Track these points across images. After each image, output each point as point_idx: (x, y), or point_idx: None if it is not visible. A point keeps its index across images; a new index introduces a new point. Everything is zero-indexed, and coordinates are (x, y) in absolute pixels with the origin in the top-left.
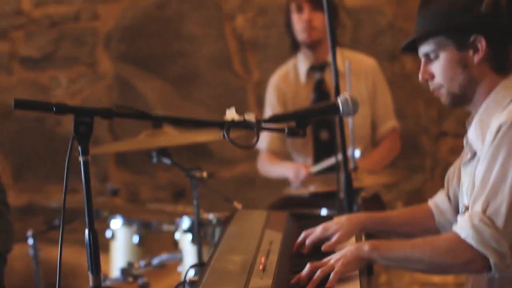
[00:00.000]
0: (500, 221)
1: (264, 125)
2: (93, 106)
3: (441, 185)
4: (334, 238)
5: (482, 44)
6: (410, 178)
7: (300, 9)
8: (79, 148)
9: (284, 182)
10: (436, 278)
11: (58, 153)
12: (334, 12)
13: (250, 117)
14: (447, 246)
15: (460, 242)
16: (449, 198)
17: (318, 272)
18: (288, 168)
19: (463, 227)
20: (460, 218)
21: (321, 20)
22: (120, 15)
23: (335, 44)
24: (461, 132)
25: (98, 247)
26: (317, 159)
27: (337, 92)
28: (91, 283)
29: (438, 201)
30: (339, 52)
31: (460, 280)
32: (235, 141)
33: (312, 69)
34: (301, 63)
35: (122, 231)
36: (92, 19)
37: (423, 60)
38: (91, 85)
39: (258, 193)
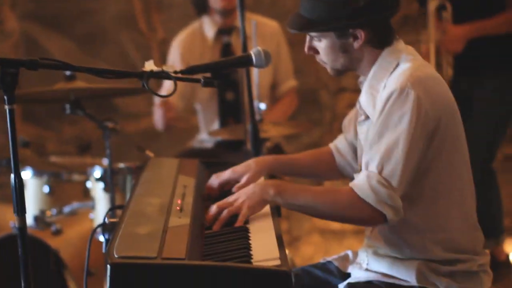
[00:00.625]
0: (395, 182)
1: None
2: (18, 58)
3: None
4: (243, 180)
5: (361, 34)
6: (310, 131)
7: None
8: (5, 98)
9: (188, 135)
10: (335, 225)
11: None
12: None
13: (168, 68)
14: (347, 202)
15: (359, 200)
16: (348, 142)
17: (224, 212)
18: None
19: (361, 187)
20: (357, 176)
21: None
22: None
23: (243, 7)
24: (359, 88)
25: (23, 191)
26: (222, 119)
27: (245, 50)
28: (17, 223)
29: (339, 144)
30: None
31: (359, 228)
32: (154, 90)
33: (220, 32)
34: (208, 26)
35: (33, 182)
36: None
37: (308, 37)
38: None
39: (163, 145)
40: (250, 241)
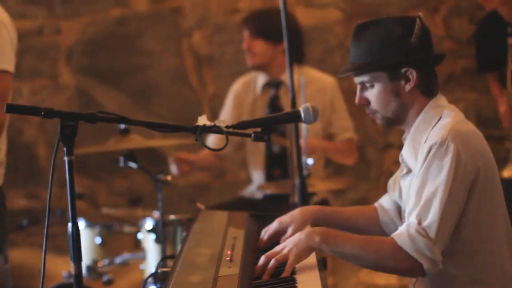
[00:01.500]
0: (432, 232)
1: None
2: (76, 111)
3: (385, 193)
4: (289, 231)
5: (413, 75)
6: (357, 187)
7: (242, 33)
8: (64, 149)
9: (236, 187)
10: (381, 281)
11: (18, 161)
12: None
13: (220, 123)
14: (389, 252)
15: (399, 249)
16: (392, 200)
17: (272, 262)
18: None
19: (400, 236)
20: (400, 227)
21: (261, 47)
22: (81, 30)
23: (291, 63)
24: None
25: (80, 239)
26: (268, 170)
27: (294, 105)
28: (73, 270)
29: (383, 202)
30: (297, 69)
31: (404, 282)
32: (207, 145)
33: (268, 85)
34: (259, 77)
35: (85, 233)
36: (54, 34)
37: (359, 87)
38: (52, 97)
39: (213, 199)
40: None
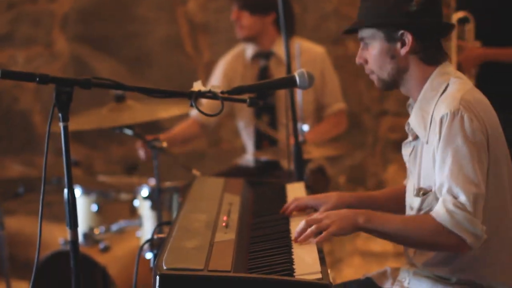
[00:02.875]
0: (469, 204)
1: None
2: (72, 77)
3: (381, 161)
4: (321, 209)
5: (408, 38)
6: (352, 154)
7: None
8: (60, 115)
9: (232, 155)
10: (376, 247)
11: (15, 128)
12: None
13: (215, 88)
14: (432, 229)
15: (440, 226)
16: None
17: (313, 227)
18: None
19: (439, 212)
20: (437, 206)
21: (248, 19)
22: None
23: (286, 31)
24: (401, 111)
25: (75, 205)
26: (257, 142)
27: (289, 72)
28: (69, 237)
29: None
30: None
31: (399, 249)
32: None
33: (257, 56)
34: (248, 49)
35: (81, 200)
36: (49, 2)
37: (361, 45)
38: (47, 65)
39: (208, 166)
40: (293, 256)
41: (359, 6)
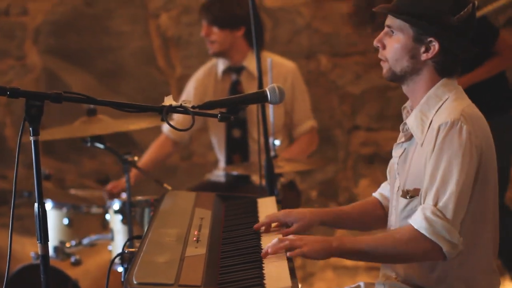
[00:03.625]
0: (449, 213)
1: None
2: (43, 91)
3: (353, 175)
4: (294, 226)
5: (435, 47)
6: (324, 169)
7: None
8: (30, 129)
9: (204, 170)
10: (349, 262)
11: None
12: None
13: (187, 103)
14: (407, 238)
15: (417, 233)
16: None
17: (286, 242)
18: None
19: (417, 219)
20: (416, 213)
21: (218, 35)
22: (49, 11)
23: (258, 46)
24: (373, 127)
25: (46, 219)
26: (228, 154)
27: (260, 87)
28: (40, 251)
29: (383, 191)
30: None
31: (371, 264)
32: (173, 124)
33: (228, 70)
34: (220, 63)
35: (53, 214)
36: (21, 14)
37: (385, 29)
38: (19, 78)
39: (180, 180)
40: (264, 271)
41: None
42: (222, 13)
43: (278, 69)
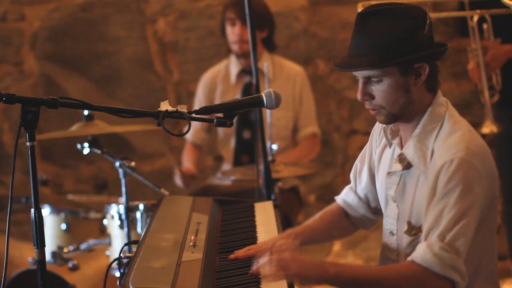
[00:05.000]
0: (457, 248)
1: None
2: (39, 97)
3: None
4: (277, 242)
5: (425, 70)
6: (322, 173)
7: (233, 23)
8: (27, 135)
9: (203, 175)
10: None
11: None
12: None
13: (183, 108)
14: (411, 275)
15: (423, 270)
16: (358, 196)
17: (274, 261)
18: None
19: (424, 257)
20: (417, 249)
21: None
22: (46, 17)
23: (255, 49)
24: (370, 131)
25: (43, 225)
26: (237, 155)
27: (258, 90)
28: (36, 256)
29: (348, 199)
30: (269, 58)
31: None
32: (168, 129)
33: (243, 72)
34: (233, 65)
35: (50, 219)
36: (18, 20)
37: (362, 80)
38: (17, 83)
39: (178, 185)
40: (260, 276)
41: (355, 37)
42: (255, 13)
43: (288, 72)
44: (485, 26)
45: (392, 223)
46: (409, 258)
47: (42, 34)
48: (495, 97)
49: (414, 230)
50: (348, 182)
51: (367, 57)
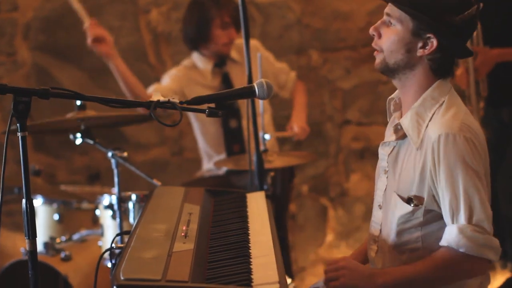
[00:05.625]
0: (486, 224)
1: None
2: (31, 87)
3: (344, 170)
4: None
5: (433, 44)
6: (315, 163)
7: (224, 27)
8: (18, 125)
9: (197, 165)
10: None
11: None
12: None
13: (174, 98)
14: (448, 260)
15: (461, 256)
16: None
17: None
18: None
19: (458, 242)
20: (448, 233)
21: (236, 36)
22: (38, 7)
23: (248, 41)
24: (363, 121)
25: (34, 215)
26: (228, 145)
27: (250, 80)
28: (27, 246)
29: None
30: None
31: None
32: (160, 119)
33: (216, 66)
34: (202, 61)
35: (43, 209)
36: (11, 10)
37: (384, 17)
38: (9, 74)
39: (171, 176)
40: (251, 266)
41: None
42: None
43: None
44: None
45: (379, 195)
46: (443, 244)
47: (35, 24)
48: (481, 103)
49: (413, 201)
50: (341, 173)
51: None
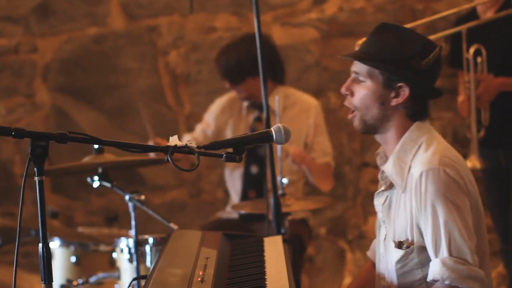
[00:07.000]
0: (467, 256)
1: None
2: (48, 131)
3: (362, 213)
4: None
5: (404, 93)
6: (333, 206)
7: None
8: (35, 169)
9: (213, 208)
10: None
11: None
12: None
13: (192, 143)
14: None
15: (451, 286)
16: None
17: None
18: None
19: (443, 275)
20: (432, 267)
21: (245, 87)
22: (58, 48)
23: (266, 84)
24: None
25: (50, 260)
26: (244, 190)
27: (268, 125)
28: None
29: (374, 248)
30: (282, 90)
31: None
32: (178, 164)
33: (252, 106)
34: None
35: (60, 251)
36: (30, 52)
37: (352, 76)
38: (29, 115)
39: (189, 218)
40: None
41: (368, 37)
42: (234, 70)
43: (301, 105)
44: (479, 59)
45: (380, 246)
46: (429, 279)
47: (54, 66)
48: (482, 132)
49: (404, 244)
50: (359, 215)
51: (361, 53)
